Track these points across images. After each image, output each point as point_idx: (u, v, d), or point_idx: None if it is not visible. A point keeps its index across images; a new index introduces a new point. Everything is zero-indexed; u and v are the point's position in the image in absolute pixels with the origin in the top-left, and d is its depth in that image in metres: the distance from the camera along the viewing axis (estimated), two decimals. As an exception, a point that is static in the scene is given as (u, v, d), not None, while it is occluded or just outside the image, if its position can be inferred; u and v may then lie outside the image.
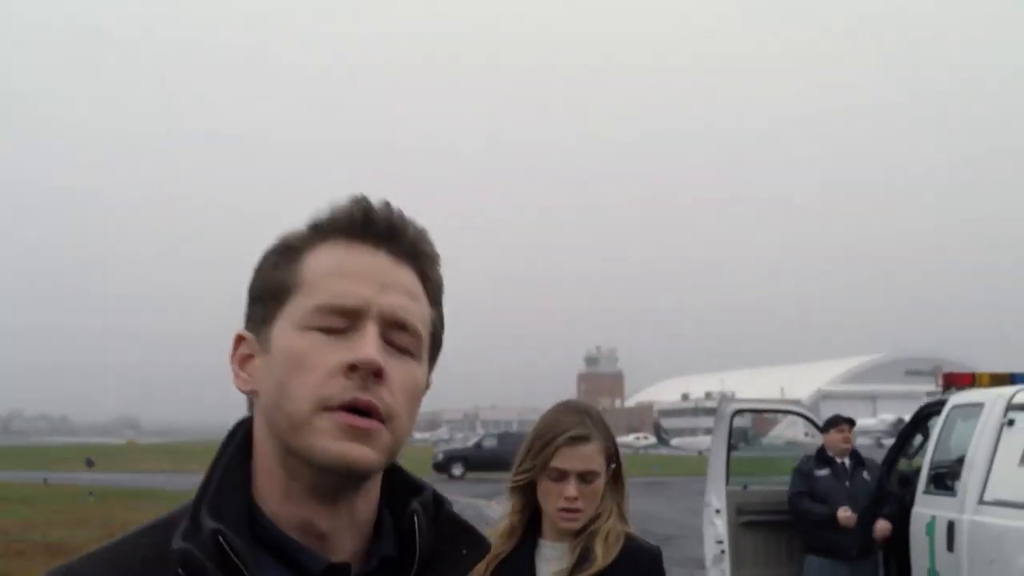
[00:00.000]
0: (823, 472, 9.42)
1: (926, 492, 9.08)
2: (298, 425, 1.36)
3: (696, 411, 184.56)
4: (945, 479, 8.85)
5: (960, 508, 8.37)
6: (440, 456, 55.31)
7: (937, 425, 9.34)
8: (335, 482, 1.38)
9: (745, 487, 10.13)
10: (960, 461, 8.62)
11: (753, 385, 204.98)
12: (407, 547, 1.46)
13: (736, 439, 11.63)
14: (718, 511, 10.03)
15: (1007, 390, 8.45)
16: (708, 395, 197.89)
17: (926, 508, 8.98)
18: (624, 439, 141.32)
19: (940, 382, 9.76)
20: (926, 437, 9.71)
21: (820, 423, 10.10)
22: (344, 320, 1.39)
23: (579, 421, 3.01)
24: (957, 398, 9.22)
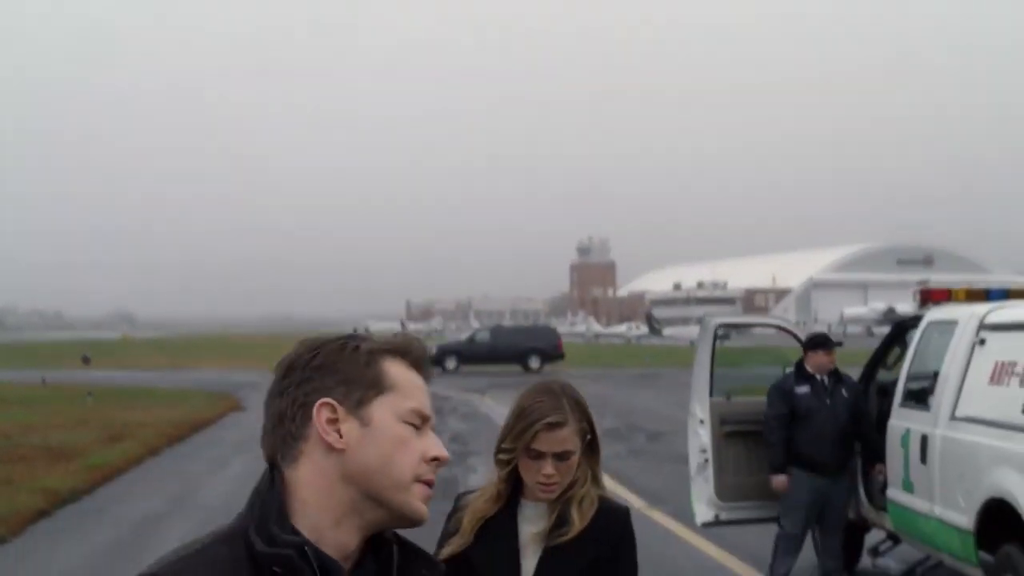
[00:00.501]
0: (804, 389, 9.66)
1: (902, 405, 9.36)
2: (401, 487, 1.93)
3: (688, 301, 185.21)
4: (920, 394, 9.13)
5: (933, 423, 8.65)
6: (433, 350, 55.75)
7: (914, 340, 9.60)
8: (393, 525, 1.96)
9: (728, 398, 10.40)
10: (934, 376, 8.88)
11: (745, 274, 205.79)
12: (384, 567, 1.96)
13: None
14: (702, 421, 10.34)
15: (980, 309, 8.67)
16: (700, 284, 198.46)
17: (901, 421, 9.27)
18: (616, 329, 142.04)
19: (918, 297, 9.99)
20: (904, 350, 9.96)
21: (802, 335, 10.34)
22: (421, 421, 1.98)
23: (555, 407, 3.26)
24: (933, 314, 9.45)
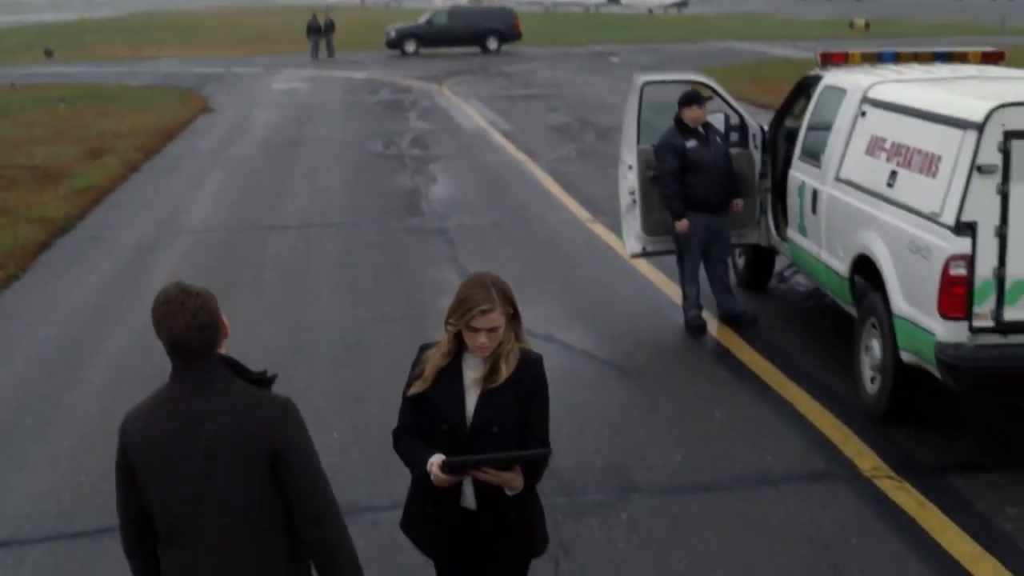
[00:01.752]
0: (692, 143, 11.02)
1: (800, 159, 10.73)
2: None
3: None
4: (813, 152, 10.48)
5: (822, 180, 10.03)
6: (392, 34, 56.33)
7: (813, 100, 10.88)
8: None
9: (653, 146, 11.71)
10: (827, 137, 10.21)
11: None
12: None
13: None
14: (630, 167, 11.70)
15: (865, 81, 9.82)
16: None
17: (798, 173, 10.67)
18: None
19: (818, 59, 11.20)
20: (808, 102, 11.20)
21: (728, 97, 11.68)
22: None
23: (486, 297, 4.55)
24: (829, 78, 10.62)
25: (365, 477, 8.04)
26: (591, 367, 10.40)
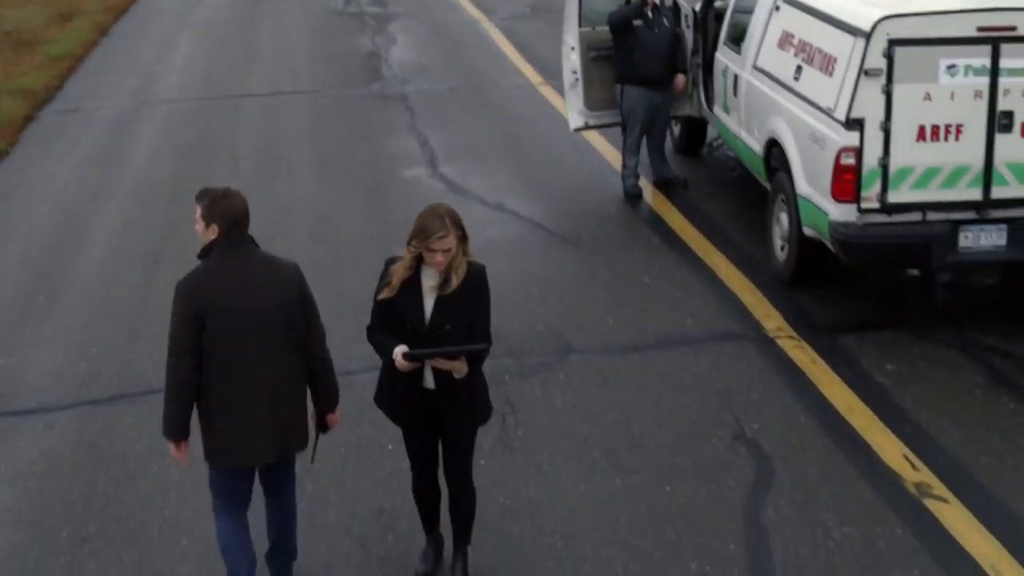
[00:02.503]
0: (639, 23, 12.06)
1: (724, 44, 11.79)
2: None
3: None
4: (735, 39, 11.51)
5: (742, 66, 11.10)
6: None
7: (736, -11, 11.87)
8: None
9: (594, 28, 12.67)
10: (748, 25, 11.21)
11: None
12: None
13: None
14: (573, 48, 12.69)
15: None
16: None
17: (723, 57, 11.72)
18: None
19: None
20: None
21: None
22: None
23: (441, 225, 5.67)
24: None
25: (340, 344, 8.91)
26: (537, 236, 11.60)
